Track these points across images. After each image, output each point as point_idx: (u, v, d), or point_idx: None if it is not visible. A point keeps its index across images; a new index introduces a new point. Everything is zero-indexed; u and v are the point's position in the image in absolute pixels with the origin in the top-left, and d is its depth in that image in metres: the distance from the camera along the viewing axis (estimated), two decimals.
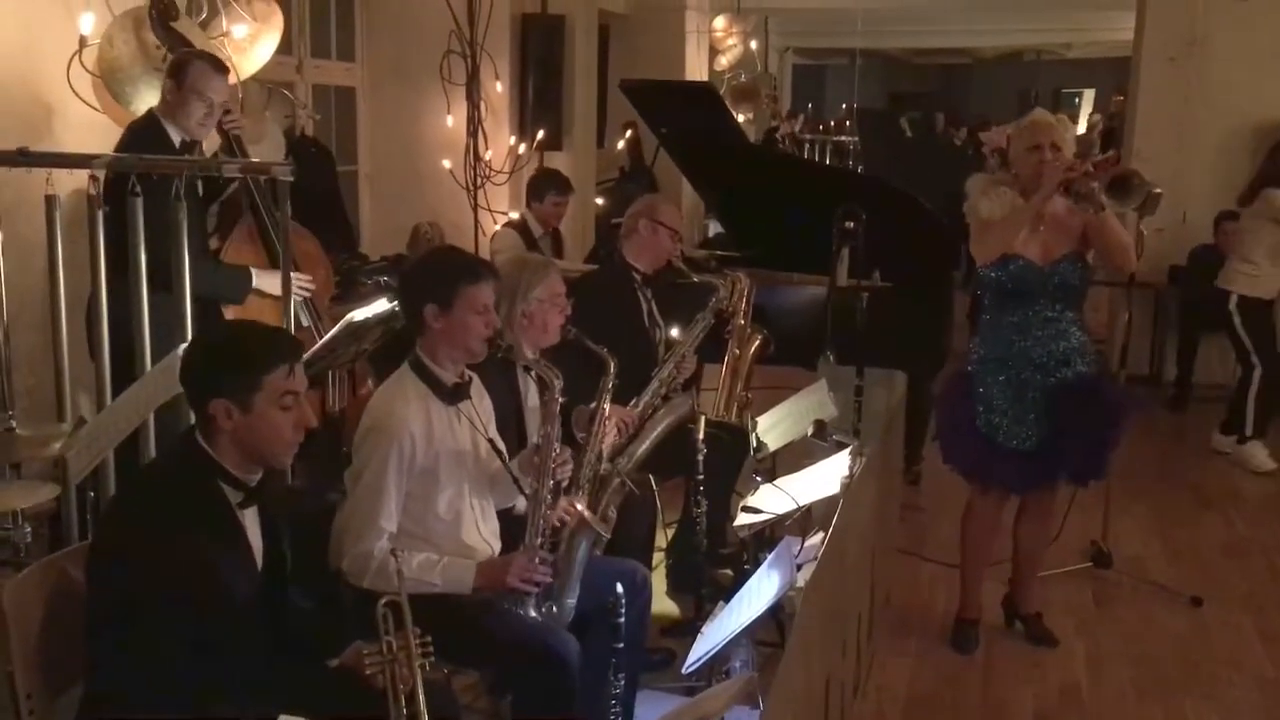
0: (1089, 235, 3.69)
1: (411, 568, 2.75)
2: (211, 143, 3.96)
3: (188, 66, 3.68)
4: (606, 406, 3.38)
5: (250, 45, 4.50)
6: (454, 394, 2.92)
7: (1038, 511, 3.98)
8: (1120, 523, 4.88)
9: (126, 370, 3.18)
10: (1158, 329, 7.49)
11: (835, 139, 13.62)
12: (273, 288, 3.77)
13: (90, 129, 4.14)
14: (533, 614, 2.89)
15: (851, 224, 4.72)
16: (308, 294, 3.98)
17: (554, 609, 2.93)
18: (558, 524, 2.98)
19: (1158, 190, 4.27)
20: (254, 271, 3.84)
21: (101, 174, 3.23)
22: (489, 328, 2.91)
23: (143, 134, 3.66)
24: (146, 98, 4.05)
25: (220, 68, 3.75)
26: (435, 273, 2.94)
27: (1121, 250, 3.69)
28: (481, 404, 3.05)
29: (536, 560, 2.85)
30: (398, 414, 2.82)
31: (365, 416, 2.90)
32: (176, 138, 3.68)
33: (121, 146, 3.64)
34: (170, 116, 3.69)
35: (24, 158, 3.18)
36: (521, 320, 3.35)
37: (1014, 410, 3.74)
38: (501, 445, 3.00)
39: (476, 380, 3.05)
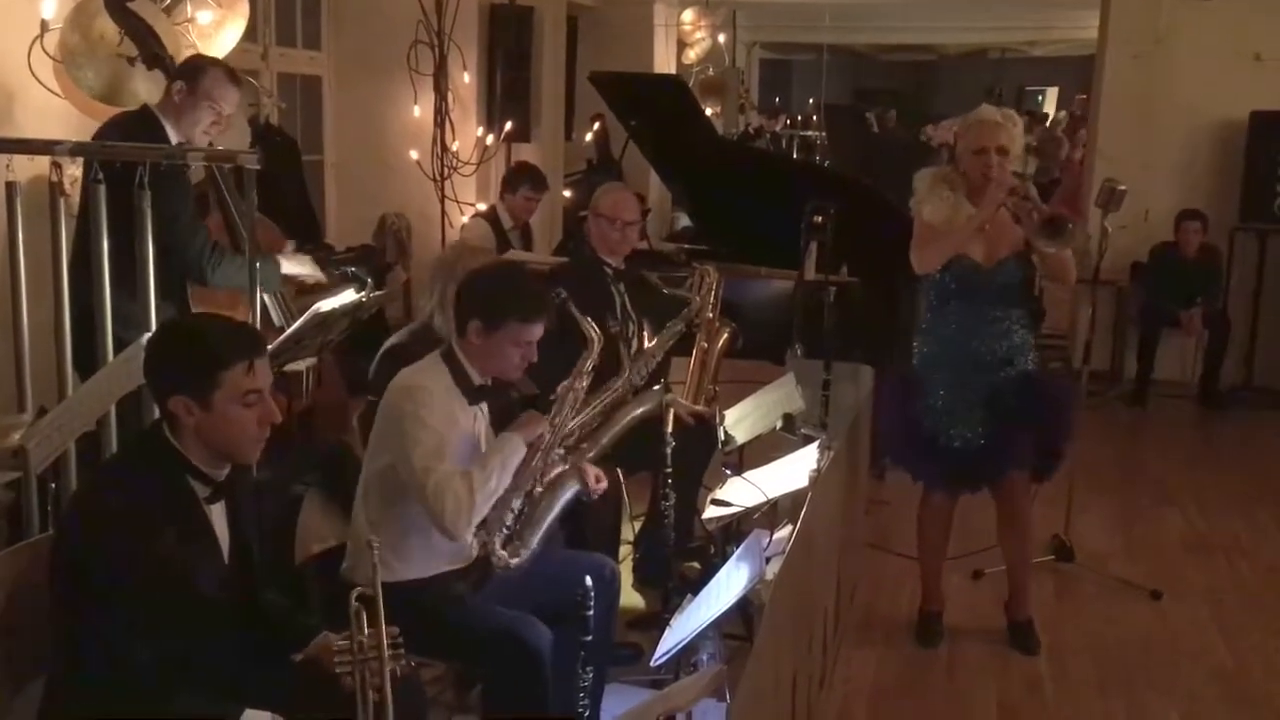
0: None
1: (479, 489, 2.75)
2: None
3: (203, 73, 3.63)
4: (583, 383, 3.35)
5: (215, 31, 4.45)
6: (478, 393, 2.92)
7: (1011, 517, 3.96)
8: (1082, 517, 4.92)
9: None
10: (1119, 326, 7.56)
11: (802, 133, 13.66)
12: (300, 270, 3.94)
13: (51, 115, 4.08)
14: (500, 550, 2.87)
15: (820, 219, 4.74)
16: (320, 278, 4.01)
17: (520, 552, 2.91)
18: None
19: (1122, 187, 4.33)
20: (280, 259, 3.90)
21: (64, 160, 3.19)
22: (525, 360, 2.90)
23: (137, 129, 3.57)
24: (108, 84, 3.99)
25: (235, 79, 3.71)
26: (495, 293, 2.87)
27: (1060, 267, 3.70)
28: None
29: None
30: (425, 385, 2.81)
31: (390, 394, 2.86)
32: (174, 139, 3.61)
33: (112, 139, 3.52)
34: (172, 117, 3.62)
35: None
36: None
37: (958, 409, 3.76)
38: None
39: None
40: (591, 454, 3.81)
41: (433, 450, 2.74)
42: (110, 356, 3.14)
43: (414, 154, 6.88)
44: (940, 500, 3.98)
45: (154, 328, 3.07)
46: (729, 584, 2.74)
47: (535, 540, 2.95)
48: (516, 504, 2.96)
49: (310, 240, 5.89)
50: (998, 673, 3.83)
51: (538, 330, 2.88)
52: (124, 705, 2.09)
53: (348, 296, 3.52)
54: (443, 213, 6.93)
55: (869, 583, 4.45)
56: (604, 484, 3.17)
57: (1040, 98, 20.45)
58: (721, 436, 3.90)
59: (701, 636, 3.33)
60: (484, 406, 2.96)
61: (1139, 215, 7.23)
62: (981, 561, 4.44)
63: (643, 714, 2.06)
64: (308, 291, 4.19)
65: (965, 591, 4.34)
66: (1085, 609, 4.34)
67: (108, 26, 3.95)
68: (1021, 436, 3.76)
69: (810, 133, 13.50)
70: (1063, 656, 3.94)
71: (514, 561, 2.90)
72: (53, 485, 3.01)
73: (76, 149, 3.15)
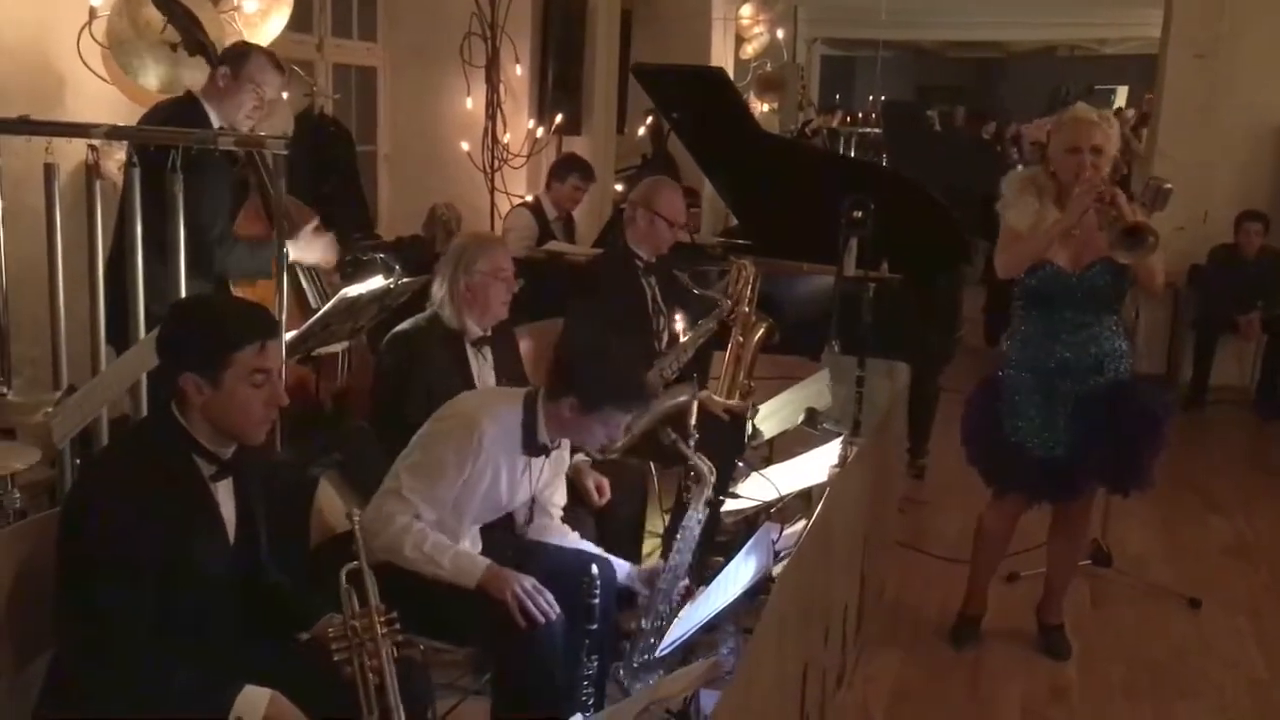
0: None
1: (424, 548, 2.75)
2: None
3: (247, 58, 3.71)
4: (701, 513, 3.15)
5: (261, 20, 4.51)
6: (536, 449, 2.94)
7: (1068, 527, 3.89)
8: (1124, 522, 4.83)
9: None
10: (1175, 329, 7.40)
11: (861, 131, 13.53)
12: (312, 257, 3.90)
13: (100, 101, 4.17)
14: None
15: (860, 213, 4.69)
16: (331, 264, 4.02)
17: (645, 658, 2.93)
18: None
19: (1168, 185, 4.22)
20: (290, 243, 3.90)
21: (103, 144, 3.27)
22: (609, 440, 2.96)
23: (182, 113, 3.64)
24: (154, 71, 4.07)
25: (278, 64, 3.80)
26: (602, 379, 2.86)
27: (1147, 274, 3.54)
28: (557, 458, 3.09)
29: (545, 598, 2.73)
30: (485, 426, 2.83)
31: (461, 401, 2.92)
32: (216, 123, 3.68)
33: (154, 124, 3.62)
34: (215, 101, 3.70)
35: (25, 125, 3.20)
36: (465, 293, 3.36)
37: (1041, 416, 3.65)
38: (556, 503, 3.18)
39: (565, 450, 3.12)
40: (619, 445, 3.84)
41: (425, 491, 2.78)
42: (143, 335, 3.20)
43: (465, 145, 6.93)
44: (1011, 507, 3.87)
45: None
46: (738, 577, 2.73)
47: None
48: None
49: (361, 230, 5.98)
50: (1024, 677, 3.78)
51: (630, 418, 2.91)
52: (124, 680, 2.13)
53: (376, 283, 3.55)
54: (492, 204, 6.97)
55: (898, 582, 4.40)
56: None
57: (1112, 97, 20.05)
58: (750, 431, 3.88)
59: (721, 631, 3.33)
60: (537, 460, 2.98)
61: (1198, 216, 7.09)
62: (1017, 564, 4.37)
63: (632, 704, 2.05)
64: (345, 276, 4.26)
65: (998, 594, 4.26)
66: (1120, 615, 4.26)
67: (154, 14, 4.02)
68: (1104, 448, 3.61)
69: (870, 130, 13.36)
70: (1092, 662, 3.87)
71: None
72: (77, 461, 3.07)
73: (111, 132, 3.22)
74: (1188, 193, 6.56)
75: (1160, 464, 3.72)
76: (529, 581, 2.73)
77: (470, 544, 2.99)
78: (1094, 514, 4.56)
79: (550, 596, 2.74)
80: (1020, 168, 4.02)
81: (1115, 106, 17.45)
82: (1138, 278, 3.58)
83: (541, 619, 2.70)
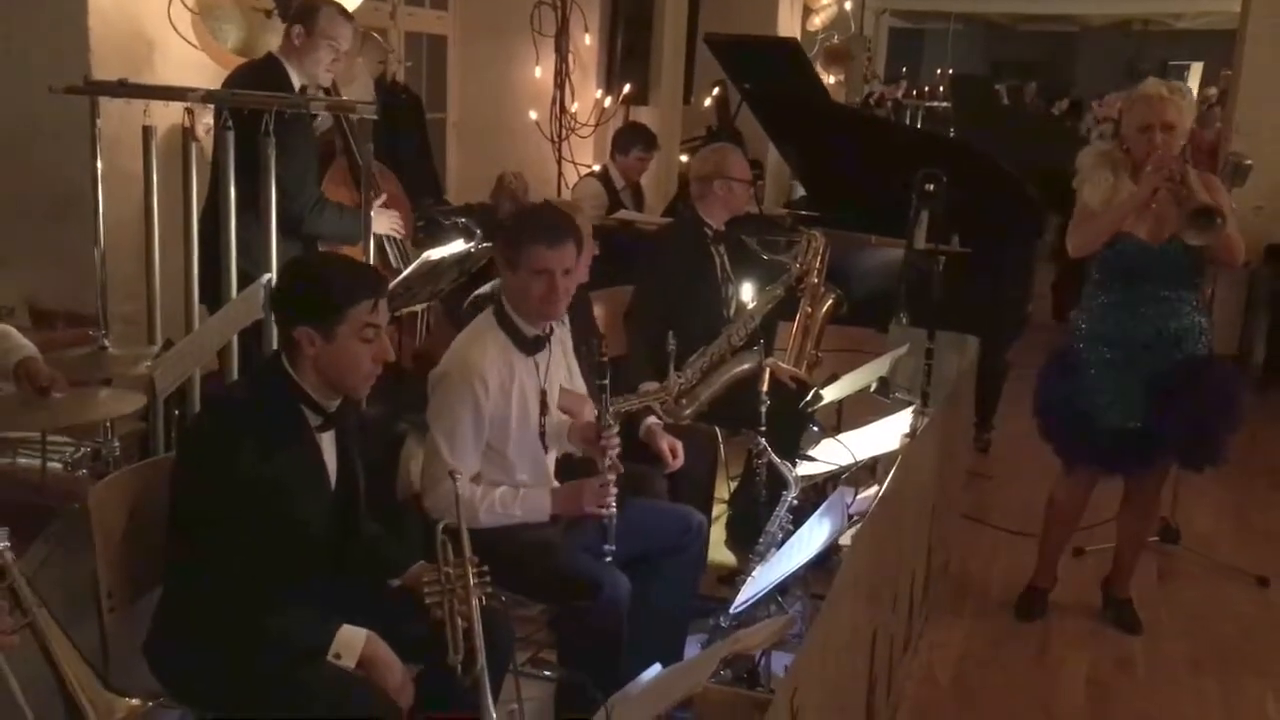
0: None
1: (494, 502, 2.85)
2: None
3: (318, 13, 3.73)
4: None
5: None
6: (534, 345, 2.98)
7: (1140, 501, 3.89)
8: (1193, 501, 4.80)
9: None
10: (1250, 308, 7.29)
11: (929, 104, 13.39)
12: (380, 228, 3.91)
13: (189, 65, 4.28)
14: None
15: (932, 186, 4.69)
16: (400, 234, 4.08)
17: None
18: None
19: (1248, 161, 4.18)
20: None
21: (196, 107, 3.37)
22: (550, 292, 2.91)
23: (264, 76, 3.69)
24: (240, 36, 4.17)
25: (349, 16, 3.83)
26: (517, 223, 2.96)
27: (1228, 248, 3.51)
28: (566, 359, 3.14)
29: (605, 487, 2.89)
30: (473, 361, 2.89)
31: (444, 361, 2.97)
32: (297, 82, 3.73)
33: (239, 87, 3.65)
34: (294, 60, 3.73)
35: (123, 89, 3.31)
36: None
37: (1118, 389, 3.64)
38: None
39: (565, 335, 3.14)
40: (690, 411, 3.91)
41: (446, 440, 2.86)
42: (235, 293, 3.31)
43: (533, 114, 6.99)
44: (1081, 479, 3.88)
45: (275, 266, 3.23)
46: (811, 540, 2.78)
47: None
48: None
49: (430, 196, 6.07)
50: (1090, 649, 3.80)
51: (559, 256, 2.87)
52: (231, 616, 2.23)
53: (457, 247, 3.63)
54: (559, 173, 7.03)
55: (963, 554, 4.42)
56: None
57: (1186, 73, 19.65)
58: (809, 397, 3.93)
59: (790, 596, 3.39)
60: (542, 356, 3.01)
61: (1276, 195, 6.96)
62: (1084, 539, 4.36)
63: (712, 655, 2.12)
64: (418, 241, 4.34)
65: (1065, 568, 4.26)
66: (1186, 592, 4.26)
67: None
68: (1178, 424, 3.60)
69: (937, 104, 13.22)
70: (1158, 637, 3.88)
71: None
72: (176, 412, 3.19)
73: (208, 96, 3.32)
74: (1266, 171, 6.45)
75: (1235, 442, 3.71)
76: (590, 487, 2.90)
77: (535, 473, 3.04)
78: (1164, 491, 4.57)
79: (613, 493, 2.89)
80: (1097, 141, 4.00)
81: (1197, 88, 17.07)
82: (1216, 252, 3.56)
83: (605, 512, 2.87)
